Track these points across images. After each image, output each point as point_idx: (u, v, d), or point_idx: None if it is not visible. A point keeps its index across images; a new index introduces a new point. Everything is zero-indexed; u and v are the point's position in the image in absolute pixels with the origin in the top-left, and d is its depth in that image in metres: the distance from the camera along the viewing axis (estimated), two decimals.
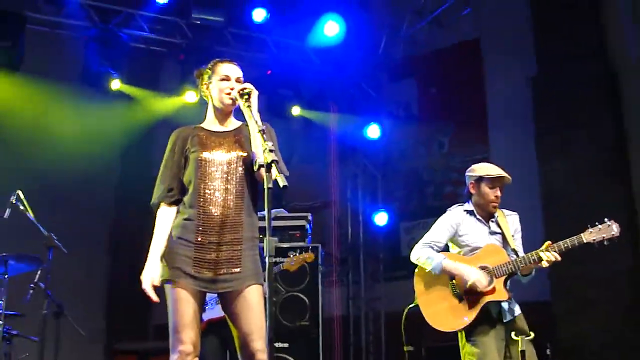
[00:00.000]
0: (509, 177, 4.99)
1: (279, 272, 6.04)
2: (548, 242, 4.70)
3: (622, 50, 7.83)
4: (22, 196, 6.30)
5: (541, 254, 4.67)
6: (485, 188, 4.99)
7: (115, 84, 8.58)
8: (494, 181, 4.97)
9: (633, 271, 7.29)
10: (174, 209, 4.01)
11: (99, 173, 9.59)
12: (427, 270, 4.98)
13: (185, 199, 3.96)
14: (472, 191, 5.05)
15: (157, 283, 3.86)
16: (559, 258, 4.66)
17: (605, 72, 7.87)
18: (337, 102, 9.68)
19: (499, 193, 4.97)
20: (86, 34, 8.38)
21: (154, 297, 3.87)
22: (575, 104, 7.83)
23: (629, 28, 7.84)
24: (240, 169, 3.94)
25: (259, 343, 3.78)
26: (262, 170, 3.51)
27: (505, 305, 4.85)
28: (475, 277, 4.79)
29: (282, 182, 3.46)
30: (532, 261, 4.72)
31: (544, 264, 4.67)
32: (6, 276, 6.08)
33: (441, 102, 9.61)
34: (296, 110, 9.46)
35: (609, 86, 7.83)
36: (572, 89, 7.89)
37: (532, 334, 4.79)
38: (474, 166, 5.11)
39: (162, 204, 4.02)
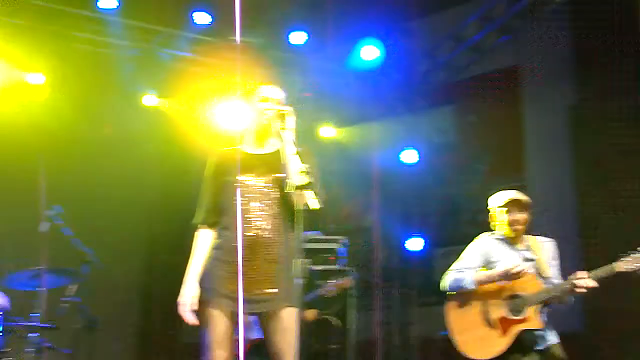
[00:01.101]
0: (521, 197, 4.97)
1: (315, 298, 6.04)
2: (580, 273, 4.66)
3: None
4: (61, 210, 6.40)
5: (574, 281, 4.63)
6: (502, 215, 5.00)
7: (152, 100, 8.79)
8: (508, 206, 4.97)
9: None
10: (212, 231, 4.06)
11: (136, 189, 9.69)
12: (459, 296, 4.97)
13: (222, 220, 4.01)
14: (493, 223, 5.09)
15: (195, 307, 3.90)
16: (593, 285, 4.61)
17: None
18: (374, 126, 9.68)
19: (517, 217, 4.96)
20: (127, 53, 8.52)
21: (192, 321, 3.90)
22: (615, 135, 7.73)
23: None
24: (277, 190, 3.96)
25: None
26: (296, 192, 3.54)
27: (540, 333, 4.80)
28: (509, 264, 4.78)
29: (313, 204, 3.47)
30: (565, 289, 4.68)
31: (579, 290, 4.62)
32: (42, 289, 6.14)
33: (479, 129, 9.55)
34: (333, 133, 9.51)
35: None
36: (611, 120, 7.80)
37: None
38: (490, 198, 5.14)
39: (200, 226, 4.08)
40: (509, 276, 4.79)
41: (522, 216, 4.97)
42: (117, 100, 8.88)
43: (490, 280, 4.88)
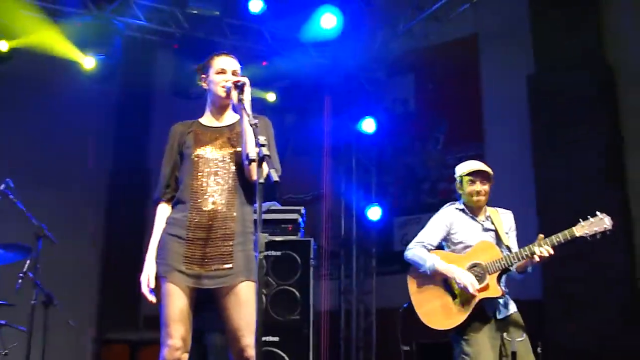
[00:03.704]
0: (486, 169, 4.99)
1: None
2: (541, 235, 4.68)
3: (622, 53, 7.78)
4: (12, 185, 6.24)
5: (534, 249, 4.65)
6: (466, 185, 5.02)
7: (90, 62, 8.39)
8: (472, 176, 4.98)
9: (627, 274, 7.27)
10: (170, 206, 4.01)
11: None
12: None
13: (178, 194, 3.95)
14: (459, 191, 5.10)
15: (153, 285, 3.85)
16: (552, 252, 4.63)
17: (603, 74, 7.81)
18: (333, 95, 9.62)
19: (479, 187, 4.97)
20: (81, 20, 8.25)
21: (152, 299, 3.86)
22: (572, 105, 7.78)
23: (629, 31, 7.79)
24: (233, 164, 3.92)
25: (248, 339, 3.77)
26: (253, 165, 3.49)
27: (500, 301, 4.83)
28: (466, 280, 4.77)
29: (274, 176, 3.42)
30: (524, 256, 4.71)
31: (536, 258, 4.65)
32: None
33: (438, 98, 9.55)
34: (291, 103, 9.42)
35: (607, 88, 7.78)
36: (569, 89, 7.84)
37: (525, 336, 4.77)
38: (457, 166, 5.14)
39: (159, 201, 4.02)
40: (465, 289, 4.78)
41: (484, 187, 4.98)
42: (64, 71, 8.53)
43: (447, 276, 4.87)
